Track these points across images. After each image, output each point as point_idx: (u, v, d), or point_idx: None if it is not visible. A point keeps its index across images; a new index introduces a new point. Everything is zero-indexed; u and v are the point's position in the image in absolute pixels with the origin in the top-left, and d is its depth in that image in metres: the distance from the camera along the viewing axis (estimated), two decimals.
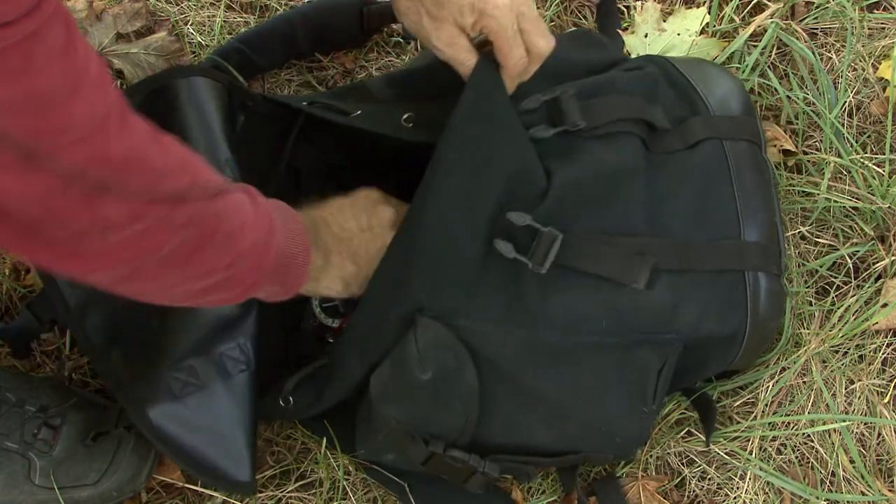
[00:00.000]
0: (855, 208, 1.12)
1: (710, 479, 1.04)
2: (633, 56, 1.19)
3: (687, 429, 1.05)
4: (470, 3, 0.87)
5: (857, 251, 1.10)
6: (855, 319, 1.06)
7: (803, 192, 1.13)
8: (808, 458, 1.04)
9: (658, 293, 0.93)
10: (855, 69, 1.19)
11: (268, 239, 0.78)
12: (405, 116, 0.98)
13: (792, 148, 1.15)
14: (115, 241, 0.65)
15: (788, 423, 1.05)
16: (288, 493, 1.02)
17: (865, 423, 1.06)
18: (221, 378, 0.93)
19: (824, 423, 1.04)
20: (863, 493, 1.02)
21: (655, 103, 1.01)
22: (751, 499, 1.02)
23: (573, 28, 1.07)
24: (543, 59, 0.92)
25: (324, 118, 1.01)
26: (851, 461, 1.03)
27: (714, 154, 1.00)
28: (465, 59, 0.91)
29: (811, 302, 1.10)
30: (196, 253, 0.71)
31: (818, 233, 1.13)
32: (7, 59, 0.54)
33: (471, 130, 0.90)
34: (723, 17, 1.22)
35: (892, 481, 1.03)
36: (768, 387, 1.05)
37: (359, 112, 1.00)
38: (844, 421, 1.04)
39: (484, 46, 0.92)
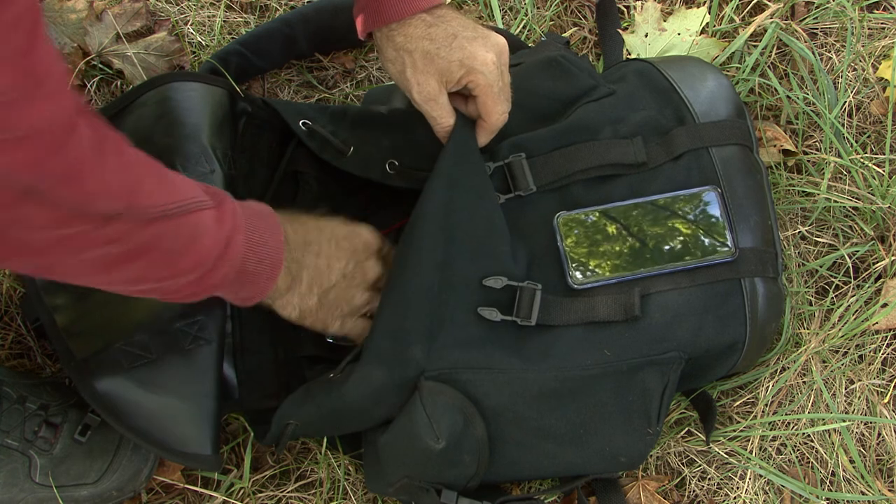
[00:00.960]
0: (855, 208, 1.12)
1: (710, 478, 1.04)
2: (633, 56, 1.19)
3: (687, 429, 1.05)
4: (459, 59, 0.90)
5: (857, 251, 1.10)
6: (855, 319, 1.06)
7: (803, 192, 1.13)
8: (808, 457, 1.04)
9: (652, 316, 0.95)
10: (855, 69, 1.19)
11: (218, 262, 0.78)
12: (388, 163, 1.02)
13: (792, 148, 1.15)
14: (34, 238, 0.66)
15: (788, 422, 1.05)
16: (288, 493, 1.02)
17: (865, 423, 1.06)
18: (176, 352, 0.93)
19: (824, 423, 1.04)
20: (863, 493, 1.02)
21: (627, 122, 1.02)
22: (751, 498, 1.02)
23: (545, 57, 1.07)
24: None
25: (319, 156, 1.04)
26: (851, 461, 1.03)
27: (699, 165, 0.99)
28: (442, 118, 0.94)
29: (811, 302, 1.10)
30: (120, 265, 0.72)
31: (818, 233, 1.13)
32: None
33: (445, 197, 0.94)
34: (723, 17, 1.22)
35: (892, 481, 1.03)
36: (768, 387, 1.05)
37: (351, 149, 1.03)
38: (844, 421, 1.04)
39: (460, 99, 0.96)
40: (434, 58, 0.90)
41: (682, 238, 0.97)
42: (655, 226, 0.98)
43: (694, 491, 1.04)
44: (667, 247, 0.97)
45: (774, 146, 1.15)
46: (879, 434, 1.05)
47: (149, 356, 0.92)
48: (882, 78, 1.18)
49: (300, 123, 1.05)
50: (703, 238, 0.97)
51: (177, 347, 0.93)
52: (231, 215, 0.80)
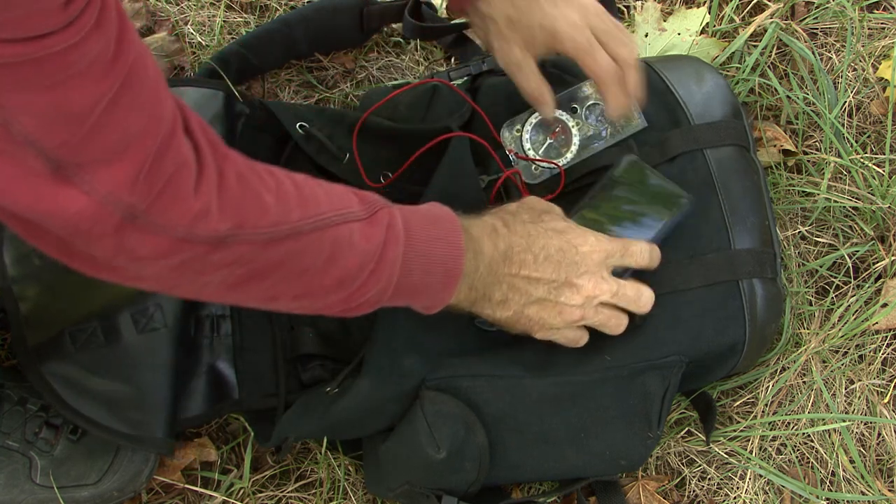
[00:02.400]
0: (855, 208, 1.12)
1: (710, 478, 1.04)
2: None
3: (687, 428, 1.05)
4: (539, 23, 0.88)
5: (857, 251, 1.10)
6: (855, 319, 1.06)
7: (803, 192, 1.13)
8: (808, 457, 1.04)
9: (652, 320, 0.95)
10: (855, 69, 1.19)
11: (369, 278, 0.75)
12: (382, 174, 1.03)
13: (792, 148, 1.15)
14: (146, 272, 0.65)
15: (788, 422, 1.05)
16: (288, 493, 1.02)
17: (865, 423, 1.06)
18: (124, 338, 0.94)
19: (824, 423, 1.04)
20: (863, 493, 1.02)
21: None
22: (751, 498, 1.02)
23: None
24: (633, 66, 0.93)
25: (316, 161, 1.04)
26: (851, 461, 1.03)
27: (694, 167, 0.99)
28: (527, 84, 0.93)
29: (811, 302, 1.10)
30: (245, 285, 0.70)
31: (818, 233, 1.13)
32: (42, 69, 0.54)
33: None
34: (723, 17, 1.22)
35: (892, 481, 1.03)
36: (768, 387, 1.05)
37: (347, 156, 1.03)
38: (844, 421, 1.04)
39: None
40: (516, 24, 0.89)
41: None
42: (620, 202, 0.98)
43: (694, 491, 1.04)
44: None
45: (774, 146, 1.15)
46: (879, 434, 1.05)
47: (97, 341, 0.93)
48: (882, 78, 1.18)
49: (297, 126, 1.05)
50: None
51: (125, 333, 0.94)
52: (385, 227, 0.76)
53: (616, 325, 0.92)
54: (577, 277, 0.89)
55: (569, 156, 1.02)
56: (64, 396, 0.93)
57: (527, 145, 1.03)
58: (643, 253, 0.92)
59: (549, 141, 1.03)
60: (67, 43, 0.54)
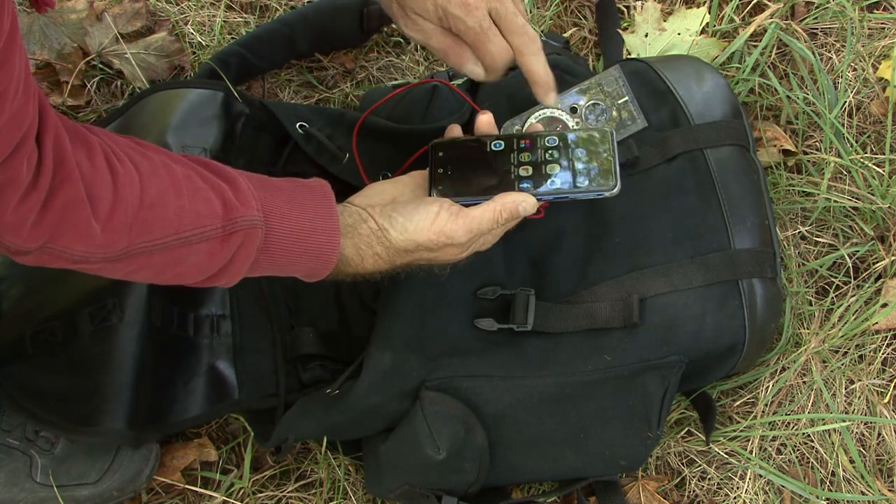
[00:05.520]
0: (855, 208, 1.12)
1: (710, 478, 1.04)
2: (633, 56, 1.19)
3: (687, 428, 1.05)
4: (433, 1, 0.87)
5: (857, 251, 1.10)
6: (855, 319, 1.06)
7: (803, 192, 1.13)
8: (808, 457, 1.04)
9: (651, 320, 0.95)
10: (855, 69, 1.19)
11: (210, 279, 0.80)
12: (382, 174, 1.04)
13: (792, 148, 1.15)
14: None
15: (788, 422, 1.05)
16: (288, 493, 1.02)
17: (865, 423, 1.06)
18: (81, 334, 0.95)
19: (824, 423, 1.04)
20: (863, 493, 1.02)
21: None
22: (751, 498, 1.02)
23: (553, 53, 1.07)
24: (531, 54, 0.90)
25: (316, 161, 1.05)
26: (851, 461, 1.03)
27: (694, 166, 0.99)
28: (434, 42, 0.90)
29: (811, 302, 1.10)
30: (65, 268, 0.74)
31: (818, 233, 1.13)
32: None
33: None
34: (723, 17, 1.22)
35: (892, 481, 1.03)
36: (768, 387, 1.05)
37: (346, 156, 1.05)
38: (844, 421, 1.04)
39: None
40: (409, 3, 0.88)
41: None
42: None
43: (694, 491, 1.04)
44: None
45: (774, 146, 1.15)
46: (879, 434, 1.05)
47: (54, 340, 0.94)
48: (882, 78, 1.18)
49: (297, 126, 1.05)
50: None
51: (82, 330, 0.95)
52: (236, 247, 0.78)
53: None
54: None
55: None
56: (17, 398, 0.94)
57: None
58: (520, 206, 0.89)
59: None
60: None
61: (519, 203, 0.87)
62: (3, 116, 0.61)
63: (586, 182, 0.88)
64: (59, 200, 0.68)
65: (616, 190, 0.88)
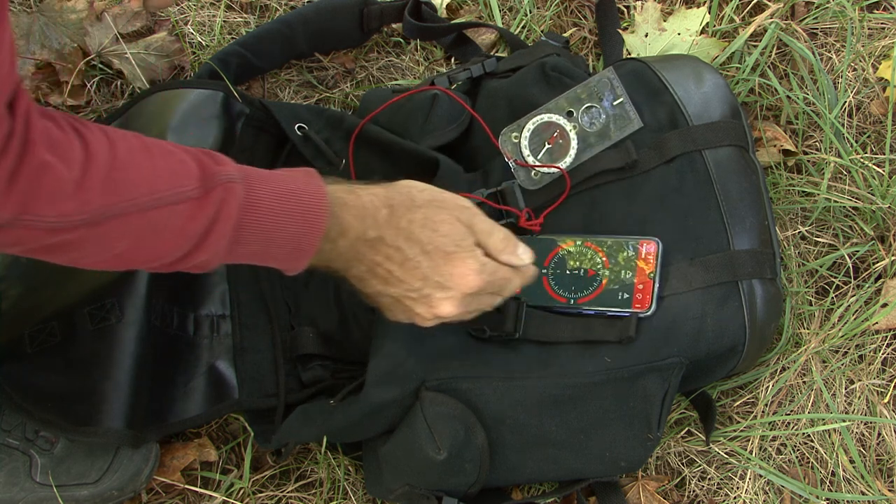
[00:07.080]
0: (855, 208, 1.12)
1: (710, 478, 1.04)
2: (633, 55, 1.19)
3: (687, 428, 1.05)
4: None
5: (857, 251, 1.10)
6: (855, 319, 1.06)
7: (803, 192, 1.13)
8: (808, 457, 1.04)
9: (650, 322, 0.95)
10: (855, 69, 1.19)
11: (188, 255, 0.75)
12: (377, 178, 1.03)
13: (792, 148, 1.15)
14: None
15: (788, 422, 1.05)
16: (288, 493, 1.02)
17: (865, 423, 1.06)
18: (81, 333, 0.94)
19: (824, 423, 1.04)
20: (863, 493, 1.02)
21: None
22: (751, 498, 1.02)
23: (538, 64, 1.07)
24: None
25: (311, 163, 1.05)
26: (851, 461, 1.03)
27: (692, 168, 0.99)
28: None
29: (811, 302, 1.10)
30: (41, 256, 0.71)
31: (818, 233, 1.13)
32: None
33: None
34: (723, 17, 1.22)
35: (892, 481, 1.03)
36: (768, 387, 1.05)
37: (343, 162, 1.05)
38: (844, 421, 1.04)
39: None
40: None
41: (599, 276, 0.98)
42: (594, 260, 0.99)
43: (694, 491, 1.04)
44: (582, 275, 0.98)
45: (774, 146, 1.15)
46: (879, 434, 1.05)
47: (53, 340, 0.94)
48: (882, 78, 1.18)
49: (296, 128, 1.05)
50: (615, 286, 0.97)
51: (80, 329, 0.94)
52: (217, 204, 0.74)
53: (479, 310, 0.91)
54: (438, 296, 0.86)
55: (567, 159, 1.02)
56: (16, 397, 0.93)
57: (525, 151, 1.03)
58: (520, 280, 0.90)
59: (547, 146, 1.03)
60: None
61: (521, 254, 0.89)
62: None
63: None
64: (29, 164, 0.66)
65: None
